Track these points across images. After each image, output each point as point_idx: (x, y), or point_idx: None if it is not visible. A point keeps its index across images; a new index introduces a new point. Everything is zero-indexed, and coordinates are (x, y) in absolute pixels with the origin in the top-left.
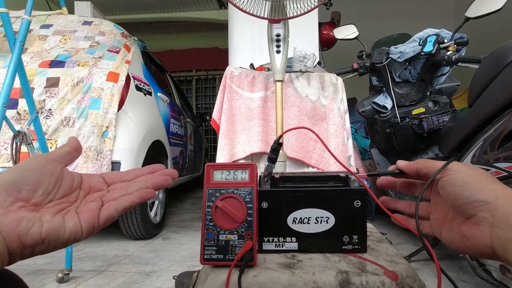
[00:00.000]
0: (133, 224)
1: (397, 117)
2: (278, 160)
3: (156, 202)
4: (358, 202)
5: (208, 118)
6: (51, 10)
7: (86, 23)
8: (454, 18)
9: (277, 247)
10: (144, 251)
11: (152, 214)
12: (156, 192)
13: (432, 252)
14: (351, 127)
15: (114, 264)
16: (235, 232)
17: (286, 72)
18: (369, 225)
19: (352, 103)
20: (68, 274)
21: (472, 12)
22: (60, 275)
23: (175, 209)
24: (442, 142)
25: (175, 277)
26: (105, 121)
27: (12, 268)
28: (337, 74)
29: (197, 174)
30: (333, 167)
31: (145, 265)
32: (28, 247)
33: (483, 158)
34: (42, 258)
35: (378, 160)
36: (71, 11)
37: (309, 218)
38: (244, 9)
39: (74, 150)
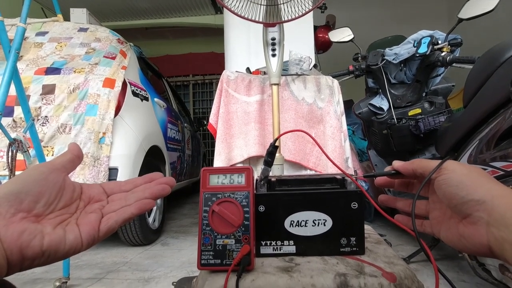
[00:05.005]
0: (132, 230)
1: (393, 118)
2: (276, 163)
3: (155, 208)
4: (355, 204)
5: (205, 122)
6: (46, 17)
7: (82, 29)
8: (448, 20)
9: (275, 250)
10: (142, 258)
11: (150, 220)
12: (155, 202)
13: (429, 252)
14: (348, 129)
15: (113, 272)
16: (232, 237)
17: (282, 75)
18: (367, 227)
19: (348, 105)
20: (66, 282)
21: (465, 13)
22: (57, 283)
23: (174, 214)
24: (438, 142)
25: (174, 283)
26: (102, 127)
27: (9, 277)
28: (333, 77)
29: (195, 179)
30: (331, 169)
31: (143, 271)
32: (28, 259)
33: (480, 158)
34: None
35: (375, 162)
36: (66, 18)
37: (306, 221)
38: (239, 13)
39: (76, 157)
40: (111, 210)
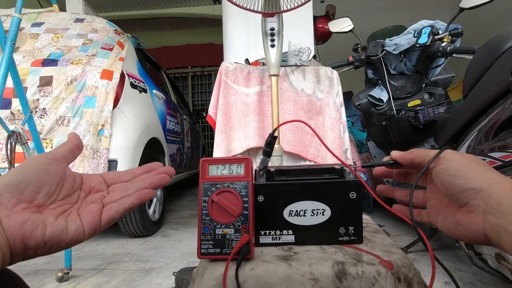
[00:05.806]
0: (132, 222)
1: (393, 110)
2: (275, 154)
3: (155, 200)
4: (353, 193)
5: (204, 114)
6: (42, 7)
7: (78, 20)
8: (449, 10)
9: (274, 240)
10: (143, 249)
11: (150, 211)
12: (155, 192)
13: (426, 240)
14: (348, 120)
15: (114, 262)
16: (231, 226)
17: (281, 66)
18: (365, 217)
19: (348, 96)
20: (68, 273)
21: (466, 2)
22: (60, 274)
23: (174, 206)
24: (437, 133)
25: (175, 274)
26: (101, 119)
27: (11, 268)
28: (333, 68)
29: (195, 171)
30: (330, 161)
31: (144, 262)
32: (30, 249)
33: (478, 149)
34: (41, 257)
35: (374, 153)
36: (62, 8)
37: (305, 210)
38: (237, 3)
39: (75, 147)
40: (111, 200)
